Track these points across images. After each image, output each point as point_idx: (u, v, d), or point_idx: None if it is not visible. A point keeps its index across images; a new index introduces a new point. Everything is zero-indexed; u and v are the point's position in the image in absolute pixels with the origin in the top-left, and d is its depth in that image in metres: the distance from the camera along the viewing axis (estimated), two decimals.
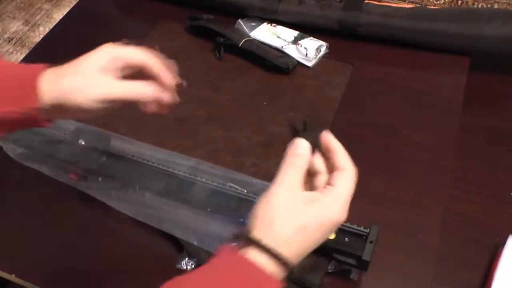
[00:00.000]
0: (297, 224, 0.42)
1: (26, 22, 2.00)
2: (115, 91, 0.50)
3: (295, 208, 0.43)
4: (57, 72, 0.51)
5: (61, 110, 0.50)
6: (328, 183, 0.46)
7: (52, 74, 0.51)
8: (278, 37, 0.88)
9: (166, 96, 0.53)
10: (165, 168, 0.67)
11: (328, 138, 0.48)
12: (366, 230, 0.58)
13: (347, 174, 0.46)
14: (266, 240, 0.41)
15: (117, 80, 0.51)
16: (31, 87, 0.49)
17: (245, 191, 0.64)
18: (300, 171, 0.46)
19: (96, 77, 0.50)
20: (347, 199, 0.45)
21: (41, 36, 1.71)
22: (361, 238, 0.57)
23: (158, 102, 0.53)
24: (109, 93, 0.50)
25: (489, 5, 1.85)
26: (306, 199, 0.44)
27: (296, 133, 0.48)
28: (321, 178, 0.47)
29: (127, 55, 0.52)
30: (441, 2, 1.89)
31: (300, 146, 0.47)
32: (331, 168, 0.47)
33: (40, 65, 0.52)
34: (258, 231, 0.42)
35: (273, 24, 0.90)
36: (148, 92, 0.52)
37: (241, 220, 0.60)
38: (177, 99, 0.54)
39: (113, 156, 0.69)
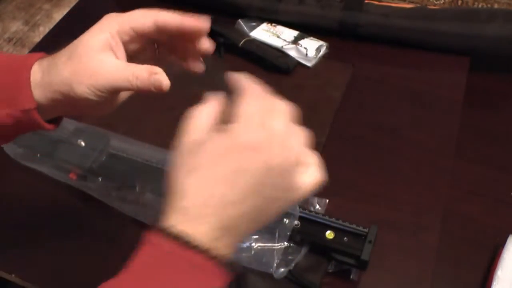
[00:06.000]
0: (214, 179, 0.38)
1: (26, 22, 2.00)
2: (118, 78, 0.42)
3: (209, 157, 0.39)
4: (51, 60, 0.44)
5: (63, 105, 0.44)
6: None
7: (46, 64, 0.44)
8: (278, 37, 0.88)
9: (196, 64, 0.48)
10: (165, 168, 0.67)
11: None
12: (365, 230, 0.58)
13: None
14: (178, 220, 0.37)
15: (120, 61, 0.43)
16: (22, 84, 0.42)
17: None
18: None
19: (94, 60, 0.42)
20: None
21: (41, 36, 1.71)
22: (360, 237, 0.57)
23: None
24: (111, 79, 0.42)
25: (489, 5, 1.85)
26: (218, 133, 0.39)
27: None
28: None
29: (135, 23, 0.44)
30: (441, 2, 1.89)
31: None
32: None
33: (33, 55, 0.45)
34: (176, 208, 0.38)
35: (273, 24, 0.90)
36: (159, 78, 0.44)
37: None
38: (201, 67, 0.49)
39: (113, 156, 0.69)
